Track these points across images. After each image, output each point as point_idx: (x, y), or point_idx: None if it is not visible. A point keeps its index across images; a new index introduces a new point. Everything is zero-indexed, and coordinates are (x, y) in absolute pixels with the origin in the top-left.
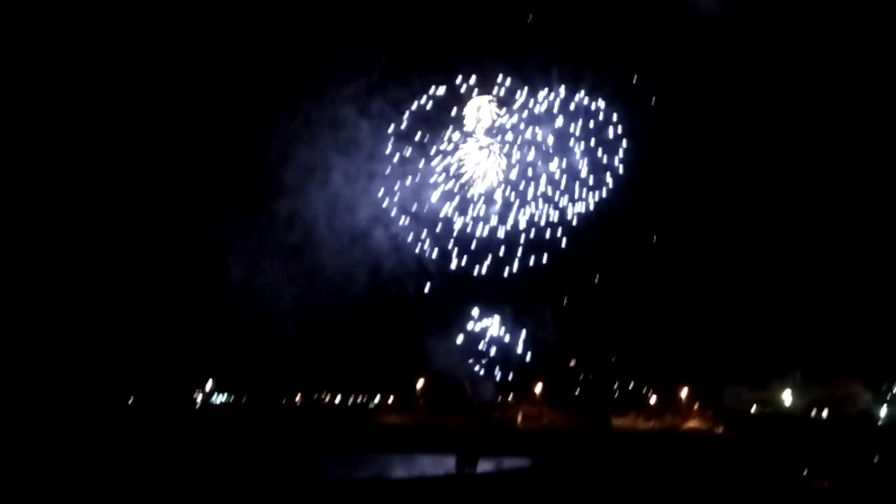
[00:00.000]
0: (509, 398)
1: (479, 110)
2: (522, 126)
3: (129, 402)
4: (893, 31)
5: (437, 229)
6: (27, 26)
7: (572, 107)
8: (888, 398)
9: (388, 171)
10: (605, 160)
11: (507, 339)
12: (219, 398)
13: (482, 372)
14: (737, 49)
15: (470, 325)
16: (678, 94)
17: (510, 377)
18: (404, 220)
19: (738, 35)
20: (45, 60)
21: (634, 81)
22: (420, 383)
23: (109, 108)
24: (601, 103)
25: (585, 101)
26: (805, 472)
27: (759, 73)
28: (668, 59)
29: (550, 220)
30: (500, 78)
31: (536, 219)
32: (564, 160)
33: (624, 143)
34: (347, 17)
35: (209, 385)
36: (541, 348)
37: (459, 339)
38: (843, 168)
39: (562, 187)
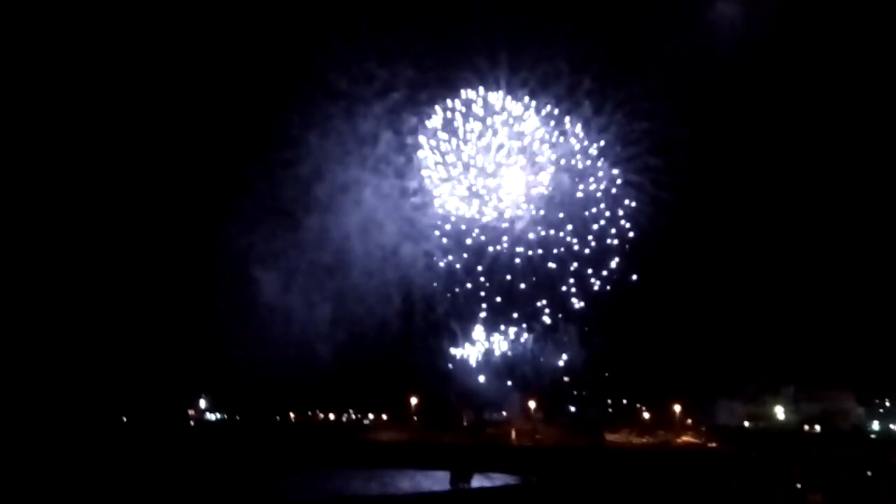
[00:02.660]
0: (503, 414)
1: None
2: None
3: (125, 419)
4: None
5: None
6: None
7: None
8: (880, 412)
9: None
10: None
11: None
12: (213, 415)
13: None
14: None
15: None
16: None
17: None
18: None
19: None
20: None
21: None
22: (414, 400)
23: (131, 122)
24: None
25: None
26: (798, 487)
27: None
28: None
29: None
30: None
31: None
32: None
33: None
34: (375, 34)
35: (203, 403)
36: (568, 364)
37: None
38: (829, 187)
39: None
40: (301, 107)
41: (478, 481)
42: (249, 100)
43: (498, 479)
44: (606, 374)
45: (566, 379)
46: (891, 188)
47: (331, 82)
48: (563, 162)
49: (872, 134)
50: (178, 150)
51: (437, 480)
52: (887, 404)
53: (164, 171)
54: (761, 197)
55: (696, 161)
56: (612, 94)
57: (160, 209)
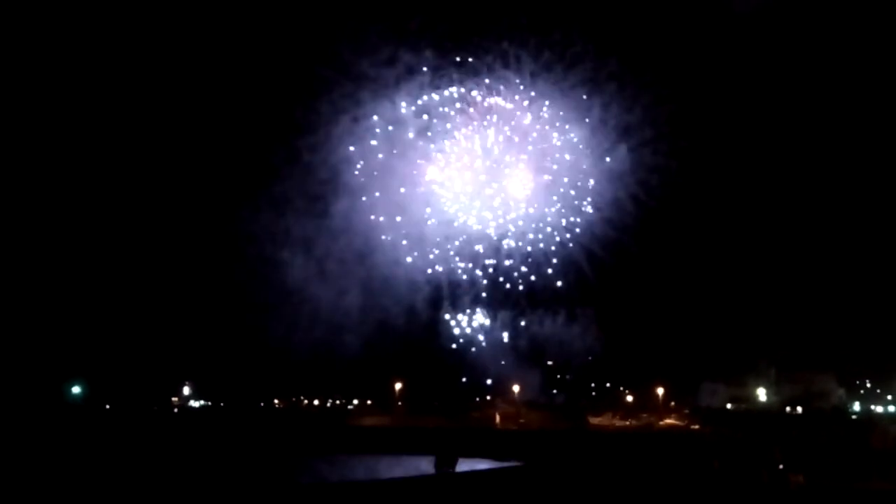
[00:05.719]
0: (487, 398)
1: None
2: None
3: (107, 406)
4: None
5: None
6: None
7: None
8: (861, 393)
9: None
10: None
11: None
12: (196, 402)
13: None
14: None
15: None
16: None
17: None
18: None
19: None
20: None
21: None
22: (398, 385)
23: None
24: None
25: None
26: (780, 467)
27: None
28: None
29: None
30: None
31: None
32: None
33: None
34: (398, 16)
35: (186, 389)
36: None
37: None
38: (811, 174)
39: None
40: (323, 92)
41: (462, 465)
42: (270, 86)
43: (482, 464)
44: (590, 358)
45: (550, 363)
46: (874, 178)
47: (353, 66)
48: (581, 147)
49: (866, 131)
50: (179, 135)
51: (422, 465)
52: (868, 385)
53: (162, 156)
54: (749, 184)
55: (693, 148)
56: (637, 77)
57: (154, 200)
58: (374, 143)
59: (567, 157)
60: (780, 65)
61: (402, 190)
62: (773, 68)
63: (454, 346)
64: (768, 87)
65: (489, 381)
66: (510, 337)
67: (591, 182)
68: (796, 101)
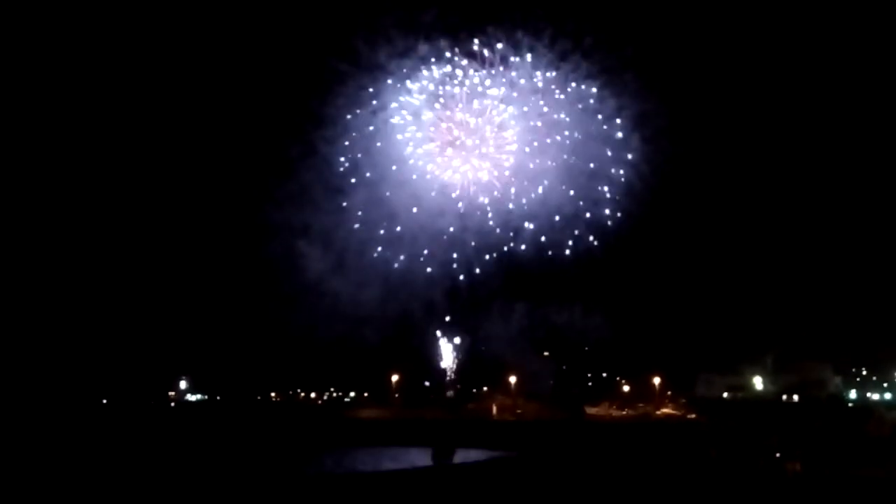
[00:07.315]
0: (484, 389)
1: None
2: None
3: (104, 401)
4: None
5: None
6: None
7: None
8: (857, 381)
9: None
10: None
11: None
12: (193, 396)
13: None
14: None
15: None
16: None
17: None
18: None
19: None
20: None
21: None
22: (395, 378)
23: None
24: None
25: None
26: (777, 455)
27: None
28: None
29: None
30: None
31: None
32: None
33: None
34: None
35: (183, 384)
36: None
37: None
38: (804, 165)
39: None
40: (339, 84)
41: (460, 456)
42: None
43: (480, 454)
44: (586, 349)
45: (546, 353)
46: (866, 170)
47: (369, 58)
48: (595, 135)
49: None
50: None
51: (420, 457)
52: (864, 373)
53: (162, 152)
54: (745, 179)
55: (694, 143)
56: (653, 66)
57: (152, 197)
58: (391, 135)
59: (580, 145)
60: (796, 55)
61: (417, 177)
62: (788, 59)
63: (453, 340)
64: (779, 82)
65: (487, 372)
66: (510, 328)
67: (611, 171)
68: (801, 100)
